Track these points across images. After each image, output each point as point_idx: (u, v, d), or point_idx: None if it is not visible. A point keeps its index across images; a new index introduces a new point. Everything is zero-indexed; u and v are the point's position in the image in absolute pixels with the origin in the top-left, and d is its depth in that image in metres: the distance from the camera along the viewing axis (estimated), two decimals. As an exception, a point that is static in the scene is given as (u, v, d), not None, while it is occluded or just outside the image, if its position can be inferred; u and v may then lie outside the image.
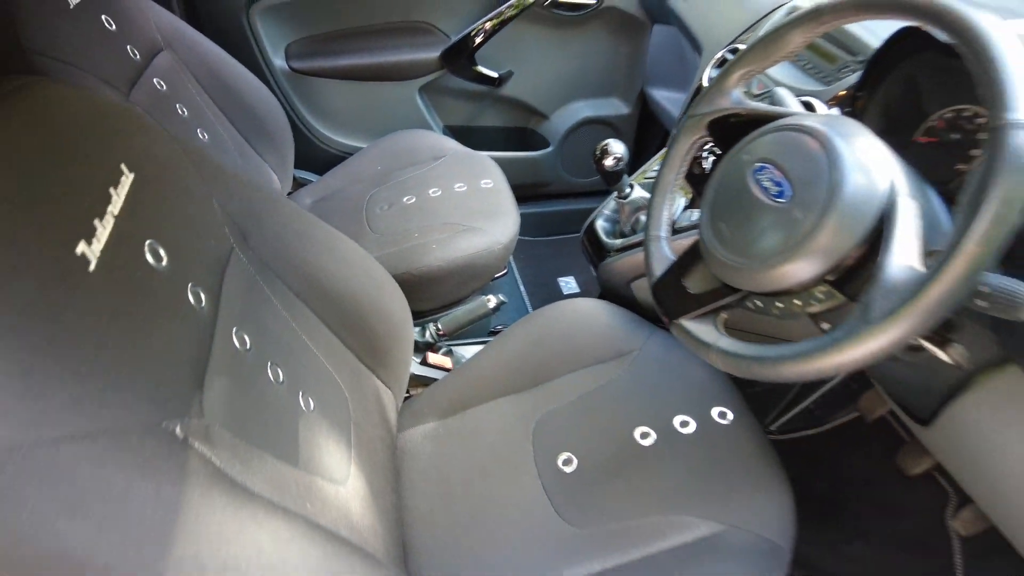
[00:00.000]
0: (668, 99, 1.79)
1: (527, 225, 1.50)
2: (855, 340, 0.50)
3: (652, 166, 1.23)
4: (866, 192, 0.55)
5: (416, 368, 1.20)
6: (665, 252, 0.76)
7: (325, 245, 0.81)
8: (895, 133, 0.77)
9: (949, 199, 0.59)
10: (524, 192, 1.81)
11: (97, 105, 0.57)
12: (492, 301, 1.25)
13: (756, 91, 1.03)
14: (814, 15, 0.64)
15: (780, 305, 0.63)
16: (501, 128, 1.90)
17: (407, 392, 1.02)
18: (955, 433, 0.71)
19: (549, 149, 1.90)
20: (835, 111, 0.89)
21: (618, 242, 1.13)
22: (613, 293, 1.19)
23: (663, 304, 0.72)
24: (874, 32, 0.89)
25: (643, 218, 1.11)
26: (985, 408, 0.66)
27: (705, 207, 0.66)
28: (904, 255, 0.51)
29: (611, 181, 1.08)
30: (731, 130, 0.71)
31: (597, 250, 1.19)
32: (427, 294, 1.19)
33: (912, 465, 1.09)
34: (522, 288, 1.79)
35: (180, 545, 0.40)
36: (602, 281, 1.21)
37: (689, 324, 0.68)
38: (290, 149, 1.46)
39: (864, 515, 1.16)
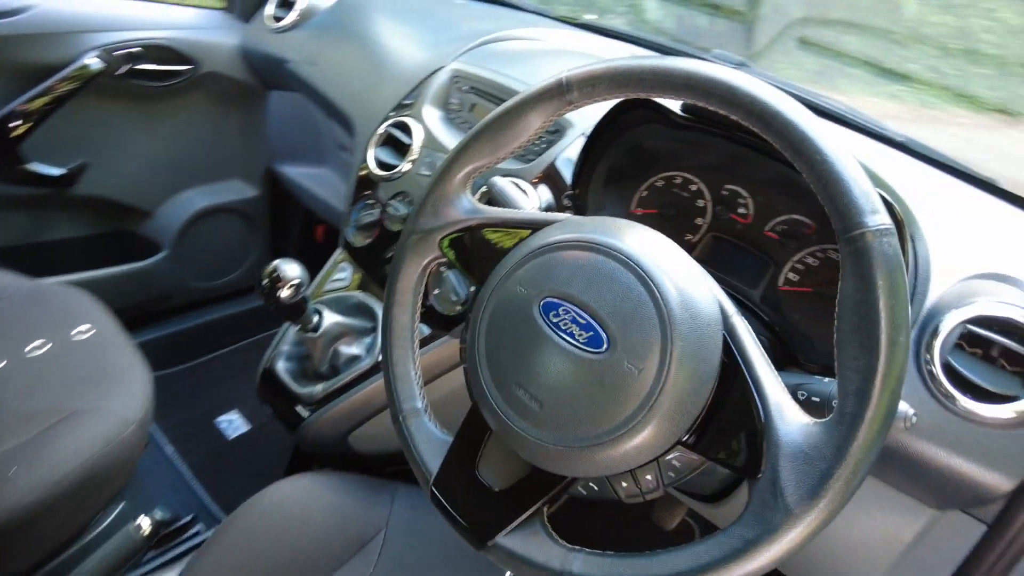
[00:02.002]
0: (304, 175, 1.54)
1: (153, 358, 1.08)
2: (777, 534, 0.38)
3: (333, 273, 0.95)
4: (702, 319, 0.43)
5: None
6: (433, 432, 0.53)
7: None
8: (612, 207, 0.72)
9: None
10: (139, 316, 1.45)
11: None
12: (145, 524, 0.81)
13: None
14: (557, 91, 0.49)
15: (626, 484, 0.48)
16: (84, 239, 1.42)
17: None
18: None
19: (162, 254, 1.48)
20: (543, 189, 0.78)
21: (319, 389, 0.83)
22: (324, 454, 0.88)
23: (463, 523, 0.49)
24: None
25: (345, 349, 0.84)
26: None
27: (480, 366, 0.47)
28: (786, 405, 0.41)
29: (294, 315, 0.78)
30: (475, 245, 0.54)
31: (286, 404, 0.87)
32: (18, 550, 0.71)
33: (668, 521, 1.10)
34: (172, 452, 1.31)
35: None
36: (307, 444, 0.89)
37: (512, 544, 0.47)
38: None
39: None
